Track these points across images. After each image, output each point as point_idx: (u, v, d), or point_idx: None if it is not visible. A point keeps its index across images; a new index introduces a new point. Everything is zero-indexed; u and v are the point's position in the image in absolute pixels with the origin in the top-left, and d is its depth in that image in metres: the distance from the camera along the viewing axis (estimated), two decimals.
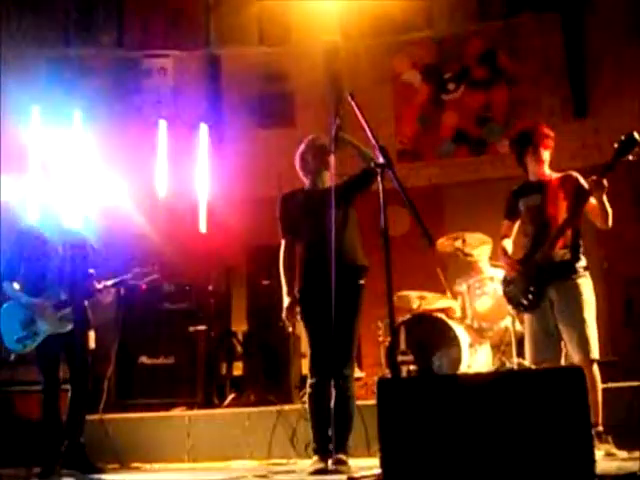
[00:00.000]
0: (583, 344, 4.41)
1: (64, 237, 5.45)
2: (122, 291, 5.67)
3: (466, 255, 6.41)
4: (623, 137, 4.24)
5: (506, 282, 4.80)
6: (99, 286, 5.39)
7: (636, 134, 4.23)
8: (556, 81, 8.68)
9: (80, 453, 5.26)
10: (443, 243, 6.40)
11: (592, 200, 4.48)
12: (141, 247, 7.34)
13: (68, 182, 7.22)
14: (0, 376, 7.04)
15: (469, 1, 9.09)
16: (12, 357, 5.35)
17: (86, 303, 5.40)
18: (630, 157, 4.23)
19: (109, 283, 5.38)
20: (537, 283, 4.55)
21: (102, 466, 5.40)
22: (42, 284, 5.31)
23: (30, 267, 5.34)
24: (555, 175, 4.76)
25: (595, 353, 4.43)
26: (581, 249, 4.62)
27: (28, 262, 5.34)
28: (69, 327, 5.27)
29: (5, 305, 5.36)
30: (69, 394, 5.28)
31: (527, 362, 4.75)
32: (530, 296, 4.56)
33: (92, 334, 5.49)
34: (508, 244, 4.84)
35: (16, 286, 5.32)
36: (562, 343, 4.53)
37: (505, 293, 4.82)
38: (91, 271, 5.45)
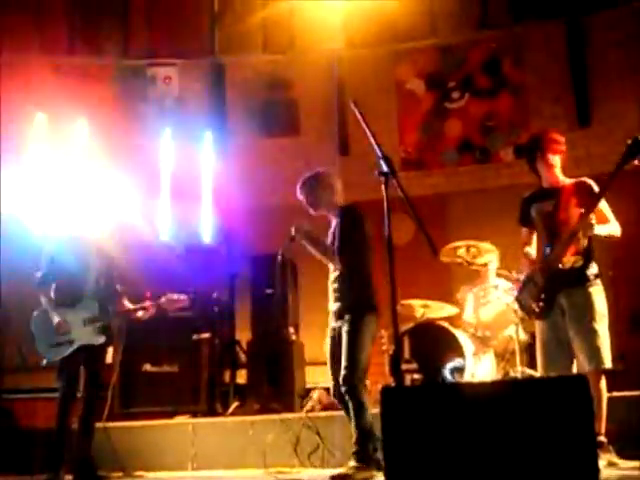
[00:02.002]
0: (593, 354, 4.38)
1: (98, 252, 5.49)
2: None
3: (470, 264, 6.41)
4: (629, 141, 4.22)
5: (519, 289, 4.77)
6: (132, 307, 5.52)
7: None
8: (560, 89, 8.69)
9: (87, 462, 5.27)
10: (447, 252, 6.40)
11: (601, 205, 4.49)
12: (146, 257, 7.35)
13: (73, 190, 7.24)
14: (3, 384, 7.05)
15: (473, 9, 9.12)
16: (44, 362, 5.35)
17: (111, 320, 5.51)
18: (636, 162, 4.20)
19: (146, 304, 5.49)
20: (548, 290, 4.53)
21: (106, 474, 5.40)
22: (78, 296, 5.35)
23: (67, 279, 5.37)
24: (569, 181, 4.74)
25: (607, 363, 4.40)
26: (593, 256, 4.60)
27: (65, 274, 5.37)
28: (102, 340, 5.35)
29: (38, 311, 5.40)
30: (83, 403, 5.31)
31: (539, 370, 4.73)
32: (541, 303, 4.54)
33: (110, 350, 5.55)
34: (531, 251, 4.79)
35: (50, 295, 5.36)
36: (573, 352, 4.51)
37: (517, 300, 4.79)
38: (119, 288, 5.52)
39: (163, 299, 5.48)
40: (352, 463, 4.49)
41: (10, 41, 8.85)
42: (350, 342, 4.62)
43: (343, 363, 4.59)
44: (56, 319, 5.25)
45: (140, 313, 5.52)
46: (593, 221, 4.35)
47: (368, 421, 4.54)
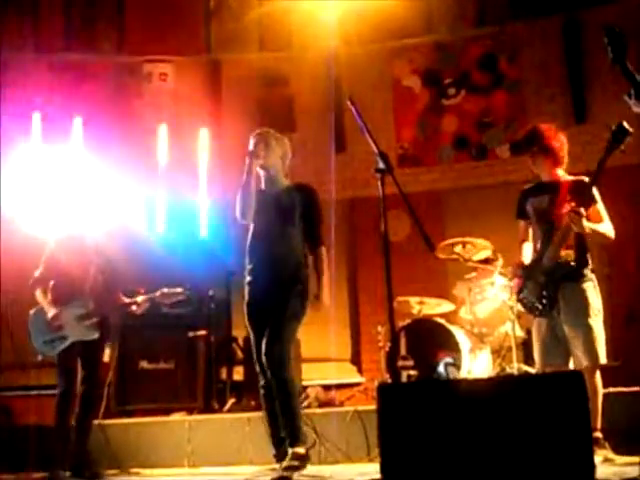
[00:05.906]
0: (589, 350, 4.40)
1: (97, 250, 5.49)
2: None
3: (466, 260, 6.42)
4: (614, 127, 4.20)
5: (519, 288, 4.76)
6: (127, 300, 5.52)
7: (626, 123, 4.20)
8: (556, 86, 8.69)
9: (83, 459, 5.27)
10: (443, 248, 6.41)
11: (598, 206, 4.50)
12: (142, 253, 7.33)
13: (69, 190, 7.23)
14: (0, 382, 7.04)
15: (469, 6, 9.11)
16: (39, 357, 5.40)
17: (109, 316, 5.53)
18: (622, 147, 4.19)
19: (139, 299, 5.50)
20: (549, 287, 4.53)
21: (102, 472, 5.40)
22: (75, 293, 5.36)
23: (67, 278, 5.37)
24: (568, 178, 4.73)
25: (602, 358, 4.42)
26: (588, 252, 4.60)
27: (64, 273, 5.37)
28: (95, 335, 5.34)
29: (36, 309, 5.40)
30: (80, 400, 5.32)
31: (536, 366, 4.73)
32: (544, 300, 4.54)
33: (107, 348, 5.57)
34: (527, 248, 4.78)
35: (46, 295, 5.38)
36: (570, 348, 4.52)
37: (519, 299, 4.76)
38: (115, 284, 5.55)
39: (158, 293, 5.48)
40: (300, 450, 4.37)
41: (6, 39, 8.83)
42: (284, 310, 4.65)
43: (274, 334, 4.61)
44: (52, 311, 5.26)
45: (134, 307, 5.52)
46: (583, 217, 4.34)
47: None
